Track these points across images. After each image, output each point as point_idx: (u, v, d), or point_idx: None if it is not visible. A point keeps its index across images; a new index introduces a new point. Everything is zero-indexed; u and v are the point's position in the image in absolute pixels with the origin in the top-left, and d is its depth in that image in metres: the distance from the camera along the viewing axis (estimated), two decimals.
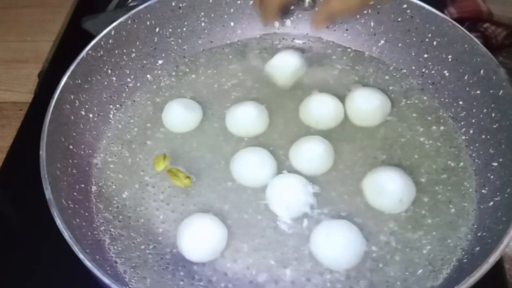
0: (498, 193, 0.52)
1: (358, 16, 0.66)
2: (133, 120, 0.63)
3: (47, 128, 0.52)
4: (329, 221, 0.51)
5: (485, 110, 0.56)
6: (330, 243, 0.49)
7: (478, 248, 0.49)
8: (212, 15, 0.68)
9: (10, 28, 0.86)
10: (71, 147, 0.56)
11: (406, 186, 0.52)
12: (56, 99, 0.54)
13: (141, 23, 0.63)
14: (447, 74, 0.61)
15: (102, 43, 0.60)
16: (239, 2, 0.68)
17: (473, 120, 0.58)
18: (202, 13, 0.67)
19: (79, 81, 0.58)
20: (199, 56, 0.69)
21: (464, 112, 0.59)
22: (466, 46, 0.58)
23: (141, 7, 0.63)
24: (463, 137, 0.59)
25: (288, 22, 0.70)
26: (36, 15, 0.88)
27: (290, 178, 0.54)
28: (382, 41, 0.66)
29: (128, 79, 0.65)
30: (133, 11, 0.62)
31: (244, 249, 0.51)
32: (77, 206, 0.53)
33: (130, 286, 0.49)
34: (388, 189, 0.52)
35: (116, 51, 0.62)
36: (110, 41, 0.61)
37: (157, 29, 0.65)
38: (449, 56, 0.60)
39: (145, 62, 0.66)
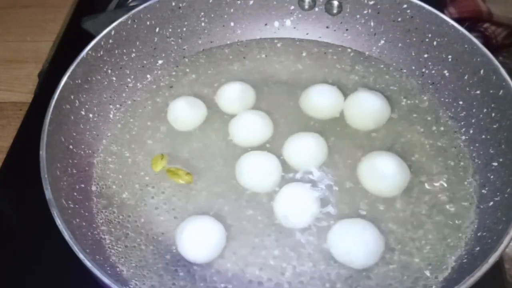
0: (498, 193, 0.52)
1: (358, 16, 0.66)
2: (133, 120, 0.63)
3: (47, 128, 0.52)
4: (350, 220, 0.51)
5: (485, 110, 0.56)
6: (354, 241, 0.49)
7: (478, 248, 0.49)
8: (212, 15, 0.68)
9: (10, 28, 0.86)
10: (71, 147, 0.56)
11: (400, 169, 0.53)
12: (56, 99, 0.54)
13: (141, 23, 0.63)
14: (447, 74, 0.61)
15: (102, 43, 0.60)
16: (239, 2, 0.68)
17: (473, 120, 0.58)
18: (202, 13, 0.67)
19: (79, 81, 0.58)
20: (199, 56, 0.69)
21: (464, 112, 0.59)
22: (466, 46, 0.58)
23: (141, 7, 0.63)
24: (463, 137, 0.59)
25: (288, 22, 0.70)
26: (36, 15, 0.88)
27: (297, 189, 0.53)
28: (382, 41, 0.66)
29: (128, 79, 0.65)
30: (133, 11, 0.62)
31: (244, 249, 0.51)
32: (77, 206, 0.53)
33: (130, 286, 0.49)
34: (382, 172, 0.53)
35: (116, 51, 0.62)
36: (110, 41, 0.61)
37: (157, 29, 0.65)
38: (449, 56, 0.60)
39: (145, 62, 0.66)
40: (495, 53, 0.56)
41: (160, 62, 0.67)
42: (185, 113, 0.60)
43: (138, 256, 0.52)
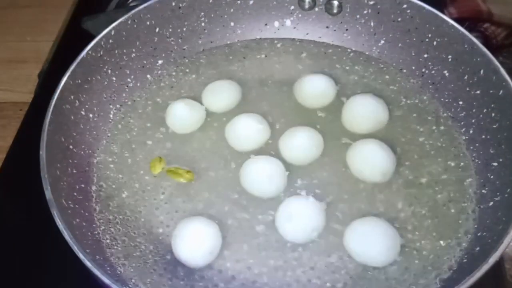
0: (498, 193, 0.52)
1: (358, 16, 0.66)
2: (133, 120, 0.63)
3: (47, 128, 0.52)
4: (367, 218, 0.51)
5: (485, 110, 0.56)
6: (374, 239, 0.49)
7: (478, 248, 0.49)
8: (212, 15, 0.68)
9: (10, 28, 0.86)
10: (71, 147, 0.56)
11: (387, 156, 0.54)
12: (56, 99, 0.54)
13: (141, 23, 0.63)
14: (447, 74, 0.61)
15: (102, 43, 0.60)
16: (239, 2, 0.68)
17: (473, 120, 0.58)
18: (202, 13, 0.67)
19: (79, 81, 0.58)
20: (199, 56, 0.69)
21: (464, 112, 0.59)
22: (466, 46, 0.58)
23: (141, 7, 0.63)
24: (463, 137, 0.59)
25: (288, 22, 0.70)
26: (36, 15, 0.88)
27: (301, 203, 0.52)
28: (382, 41, 0.66)
29: (128, 79, 0.65)
30: (133, 11, 0.62)
31: (245, 249, 0.51)
32: (77, 206, 0.53)
33: (130, 286, 0.49)
34: (370, 159, 0.54)
35: (116, 51, 0.62)
36: (110, 41, 0.61)
37: (157, 29, 0.65)
38: (449, 56, 0.60)
39: (145, 62, 0.66)
40: (495, 53, 0.55)
41: (160, 62, 0.67)
42: (183, 117, 0.60)
43: (138, 256, 0.52)
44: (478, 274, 0.43)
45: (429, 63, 0.63)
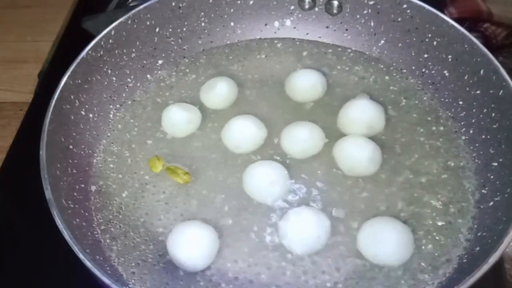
0: (498, 193, 0.52)
1: (358, 16, 0.66)
2: (133, 120, 0.63)
3: (47, 128, 0.52)
4: (380, 218, 0.51)
5: (485, 110, 0.56)
6: (387, 238, 0.49)
7: (478, 248, 0.49)
8: (212, 15, 0.68)
9: (10, 28, 0.86)
10: (71, 147, 0.56)
11: (373, 150, 0.55)
12: (56, 99, 0.54)
13: (141, 23, 0.63)
14: (447, 74, 0.61)
15: (102, 43, 0.60)
16: (239, 2, 0.68)
17: (473, 120, 0.58)
18: (202, 13, 0.67)
19: (79, 81, 0.58)
20: (199, 56, 0.69)
21: (464, 112, 0.59)
22: (466, 46, 0.58)
23: (141, 7, 0.63)
24: (463, 137, 0.59)
25: (288, 22, 0.70)
26: (36, 15, 0.88)
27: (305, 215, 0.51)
28: (382, 41, 0.66)
29: (128, 79, 0.65)
30: (133, 11, 0.62)
31: (245, 249, 0.51)
32: (77, 206, 0.53)
33: (130, 286, 0.49)
34: (356, 154, 0.54)
35: (116, 51, 0.62)
36: (110, 41, 0.61)
37: (157, 29, 0.65)
38: (449, 56, 0.60)
39: (145, 62, 0.66)
40: (495, 53, 0.55)
41: (160, 62, 0.67)
42: (178, 121, 0.60)
43: (138, 256, 0.52)
44: (478, 274, 0.43)
45: (429, 63, 0.63)
